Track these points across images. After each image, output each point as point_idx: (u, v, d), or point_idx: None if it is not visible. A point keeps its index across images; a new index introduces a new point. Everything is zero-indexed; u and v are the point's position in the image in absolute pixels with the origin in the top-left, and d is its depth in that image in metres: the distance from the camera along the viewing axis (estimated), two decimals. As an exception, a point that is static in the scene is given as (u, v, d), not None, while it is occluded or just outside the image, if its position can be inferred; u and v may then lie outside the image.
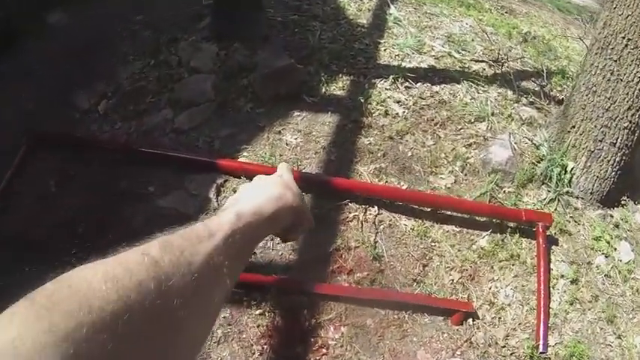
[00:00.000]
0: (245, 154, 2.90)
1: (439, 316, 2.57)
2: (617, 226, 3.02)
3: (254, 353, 2.34)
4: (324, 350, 2.39)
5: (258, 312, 2.41)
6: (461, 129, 3.24)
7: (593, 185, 3.04)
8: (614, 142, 2.88)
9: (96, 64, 3.47)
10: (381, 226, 2.75)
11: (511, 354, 2.55)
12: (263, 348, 2.35)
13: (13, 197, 2.87)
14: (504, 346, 2.57)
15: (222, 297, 0.59)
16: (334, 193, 2.75)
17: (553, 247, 2.86)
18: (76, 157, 2.97)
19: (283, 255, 2.57)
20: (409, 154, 3.06)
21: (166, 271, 0.50)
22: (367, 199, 2.79)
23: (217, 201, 2.69)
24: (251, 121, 3.06)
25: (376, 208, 2.78)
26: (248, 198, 0.71)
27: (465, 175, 3.04)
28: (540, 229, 2.75)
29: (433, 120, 3.24)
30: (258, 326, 2.39)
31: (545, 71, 3.70)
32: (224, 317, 2.41)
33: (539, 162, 3.15)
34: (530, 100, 3.51)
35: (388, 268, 2.65)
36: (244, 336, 2.38)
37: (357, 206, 2.78)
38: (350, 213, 2.75)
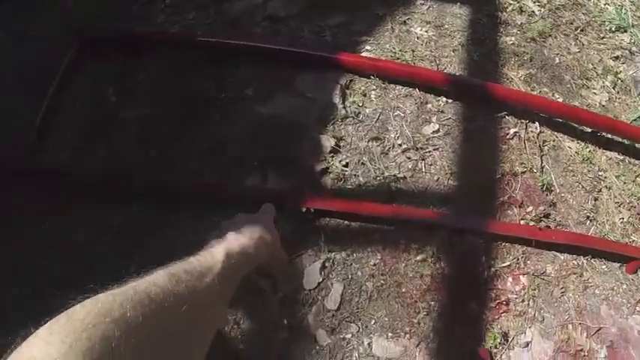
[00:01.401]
0: (368, 47, 1.85)
1: (615, 262, 1.74)
2: None
3: (418, 312, 1.45)
4: (504, 307, 1.53)
5: (419, 257, 1.49)
6: (603, 37, 2.27)
7: None
8: None
9: None
10: (546, 147, 1.83)
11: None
12: (430, 306, 1.46)
13: (61, 111, 1.76)
14: (677, 300, 1.80)
15: (215, 323, 0.58)
16: (489, 102, 1.79)
17: None
18: (140, 58, 1.85)
19: (440, 181, 1.63)
20: (556, 60, 2.09)
21: (174, 301, 0.49)
22: (525, 113, 1.85)
23: (344, 107, 1.67)
24: (366, 8, 1.98)
25: (537, 124, 1.85)
26: (235, 238, 0.68)
27: (618, 92, 2.12)
28: None
29: (572, 23, 2.25)
30: (421, 277, 1.48)
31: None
32: (374, 264, 1.48)
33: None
34: (667, 11, 2.56)
35: (560, 202, 1.76)
36: (404, 290, 1.47)
37: (516, 120, 1.83)
38: (509, 128, 1.80)
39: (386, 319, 1.43)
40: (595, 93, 2.11)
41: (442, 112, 1.75)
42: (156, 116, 1.75)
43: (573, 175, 1.84)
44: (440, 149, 1.67)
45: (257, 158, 1.59)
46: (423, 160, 1.63)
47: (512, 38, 2.08)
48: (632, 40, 2.33)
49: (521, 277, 1.59)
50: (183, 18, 1.97)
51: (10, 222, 1.56)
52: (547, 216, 1.71)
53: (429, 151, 1.65)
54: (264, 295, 1.45)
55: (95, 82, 1.84)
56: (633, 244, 1.82)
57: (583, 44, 2.24)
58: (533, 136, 1.83)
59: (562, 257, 1.68)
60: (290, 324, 1.42)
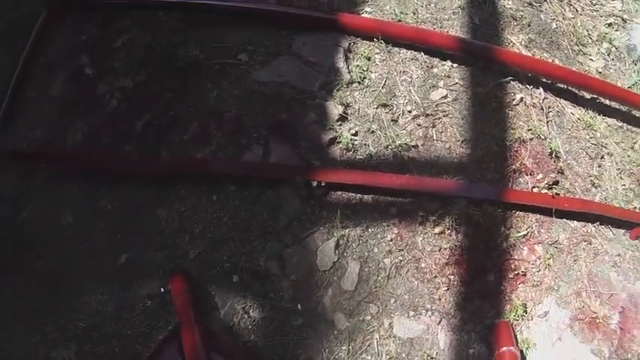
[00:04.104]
0: (367, 9, 1.75)
1: (620, 229, 1.77)
2: None
3: (439, 288, 1.40)
4: (521, 278, 1.51)
5: (437, 230, 1.44)
6: (596, 4, 2.28)
7: None
8: None
9: None
10: (550, 114, 1.82)
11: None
12: (449, 280, 1.41)
13: (31, 86, 1.58)
14: (674, 264, 1.86)
15: None
16: (494, 67, 1.75)
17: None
18: (117, 23, 1.67)
19: (452, 149, 1.56)
20: (553, 25, 2.07)
21: None
22: (528, 78, 1.82)
23: (349, 71, 1.57)
24: (361, -33, 1.88)
25: (541, 89, 1.83)
26: None
27: (612, 59, 2.14)
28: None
29: (566, -11, 2.25)
30: (439, 250, 1.43)
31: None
32: (391, 239, 1.41)
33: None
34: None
35: (567, 169, 1.75)
36: (423, 265, 1.41)
37: (521, 86, 1.80)
38: (515, 94, 1.76)
39: (406, 297, 1.37)
40: (591, 59, 2.12)
41: (449, 76, 1.68)
42: (138, 88, 1.59)
43: (577, 142, 1.84)
44: (449, 115, 1.61)
45: (257, 129, 1.47)
46: (434, 127, 1.56)
47: (510, 2, 2.04)
48: (624, 8, 2.36)
49: (536, 246, 1.57)
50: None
51: None
52: (556, 183, 1.70)
53: (439, 118, 1.59)
54: (273, 280, 1.35)
55: (69, 50, 1.65)
56: (635, 211, 1.86)
57: (577, 10, 2.23)
58: (538, 102, 1.81)
59: (572, 225, 1.68)
60: (304, 309, 1.33)
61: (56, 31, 1.70)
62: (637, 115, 2.01)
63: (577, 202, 1.65)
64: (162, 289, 1.30)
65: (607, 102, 1.96)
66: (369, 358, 1.32)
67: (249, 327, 1.31)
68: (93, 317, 1.39)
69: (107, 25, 1.70)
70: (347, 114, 1.51)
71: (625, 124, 1.99)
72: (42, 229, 1.41)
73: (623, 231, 1.77)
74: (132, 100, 1.57)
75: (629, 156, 1.92)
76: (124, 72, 1.60)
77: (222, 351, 1.31)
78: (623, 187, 1.87)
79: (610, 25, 2.23)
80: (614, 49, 2.16)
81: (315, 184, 1.36)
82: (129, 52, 1.66)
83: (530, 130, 1.73)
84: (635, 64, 2.16)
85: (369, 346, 1.33)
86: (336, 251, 1.36)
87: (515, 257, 1.51)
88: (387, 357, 1.33)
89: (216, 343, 1.30)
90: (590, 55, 2.11)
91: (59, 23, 1.70)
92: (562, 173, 1.73)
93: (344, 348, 1.31)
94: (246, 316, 1.32)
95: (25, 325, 1.41)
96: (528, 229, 1.56)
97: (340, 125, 1.49)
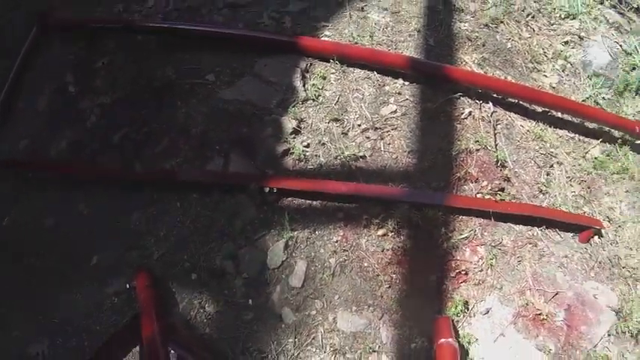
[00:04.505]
0: (327, 33, 1.92)
1: (568, 232, 1.87)
2: None
3: (381, 285, 1.52)
4: (463, 276, 1.62)
5: (380, 232, 1.57)
6: (554, 24, 2.43)
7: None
8: None
9: None
10: (499, 126, 1.95)
11: (630, 276, 1.94)
12: (392, 278, 1.54)
13: (19, 100, 1.79)
14: (624, 267, 1.95)
15: None
16: (445, 84, 1.89)
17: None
18: (100, 45, 1.87)
19: (398, 159, 1.71)
20: (508, 45, 2.22)
21: None
22: (478, 94, 1.96)
23: (305, 90, 1.73)
24: (323, -5, 2.06)
25: (491, 104, 1.96)
26: None
27: (567, 75, 2.27)
28: (652, 143, 2.08)
29: (524, 10, 2.39)
30: (382, 251, 1.56)
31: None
32: (336, 241, 1.54)
33: (632, 70, 2.45)
34: (612, 3, 2.76)
35: (514, 177, 1.87)
36: (366, 264, 1.54)
37: (470, 101, 1.94)
38: (464, 108, 1.91)
39: (349, 293, 1.49)
40: (545, 76, 2.25)
41: (399, 93, 1.84)
42: (116, 105, 1.77)
43: (526, 152, 1.96)
44: (398, 129, 1.75)
45: (219, 142, 1.63)
46: (382, 139, 1.71)
47: (466, 24, 2.20)
48: (581, 27, 2.50)
49: (478, 247, 1.68)
50: (142, 6, 2.00)
51: None
52: (502, 190, 1.82)
53: (388, 131, 1.73)
54: (228, 278, 1.49)
55: (55, 68, 1.85)
56: (584, 214, 1.96)
57: (534, 30, 2.38)
58: (487, 116, 1.94)
59: (517, 228, 1.79)
60: (255, 304, 1.47)
61: (45, 47, 1.90)
62: (590, 126, 2.13)
63: (520, 205, 1.76)
64: (127, 285, 1.45)
65: (559, 115, 2.08)
66: (314, 350, 1.44)
67: (205, 321, 1.45)
68: (66, 313, 1.53)
69: (92, 46, 1.90)
70: (300, 128, 1.66)
71: (577, 135, 2.11)
72: (24, 232, 1.58)
73: (571, 234, 1.87)
74: (110, 116, 1.75)
75: (580, 164, 2.03)
76: (103, 90, 1.79)
77: (181, 344, 1.44)
78: (573, 193, 1.97)
79: (566, 42, 2.37)
80: (569, 65, 2.29)
81: (267, 190, 1.51)
82: (109, 72, 1.85)
83: (478, 141, 1.86)
84: (590, 79, 2.28)
85: (314, 339, 1.45)
86: (285, 251, 1.50)
87: (458, 258, 1.63)
88: (331, 349, 1.45)
89: (175, 337, 1.44)
90: (544, 71, 2.24)
91: (49, 40, 1.90)
92: (508, 181, 1.85)
93: (290, 340, 1.44)
94: (202, 310, 1.45)
95: (5, 322, 1.57)
96: (471, 232, 1.68)
97: (294, 138, 1.64)
